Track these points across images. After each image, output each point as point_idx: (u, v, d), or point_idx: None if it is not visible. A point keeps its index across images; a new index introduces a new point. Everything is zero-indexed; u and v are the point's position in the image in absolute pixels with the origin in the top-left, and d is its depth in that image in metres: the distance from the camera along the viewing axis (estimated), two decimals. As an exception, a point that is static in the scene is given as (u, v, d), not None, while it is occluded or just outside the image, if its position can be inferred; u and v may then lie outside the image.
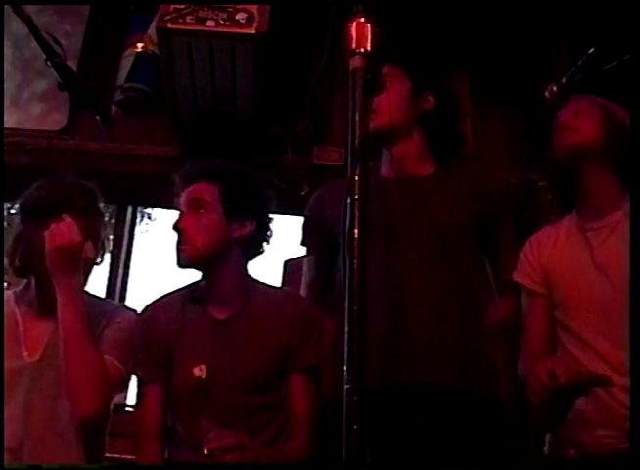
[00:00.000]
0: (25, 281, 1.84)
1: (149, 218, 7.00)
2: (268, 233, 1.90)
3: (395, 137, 1.85)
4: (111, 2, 3.17)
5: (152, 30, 2.84)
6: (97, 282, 2.88)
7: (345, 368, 1.13)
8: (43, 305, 1.79)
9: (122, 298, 3.03)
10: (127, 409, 2.73)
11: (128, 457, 2.14)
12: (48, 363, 1.74)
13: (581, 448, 1.61)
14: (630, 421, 1.47)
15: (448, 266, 1.73)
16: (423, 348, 1.62)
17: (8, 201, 1.95)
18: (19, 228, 1.81)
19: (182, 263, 1.82)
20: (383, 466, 1.43)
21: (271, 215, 1.91)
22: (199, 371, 1.76)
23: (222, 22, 2.54)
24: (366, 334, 1.16)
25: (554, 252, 1.79)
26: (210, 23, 2.54)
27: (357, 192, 1.23)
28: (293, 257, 2.98)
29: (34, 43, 1.56)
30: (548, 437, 1.73)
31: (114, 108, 1.72)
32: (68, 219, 1.70)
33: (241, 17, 2.54)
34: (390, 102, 1.71)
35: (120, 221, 3.15)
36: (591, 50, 1.64)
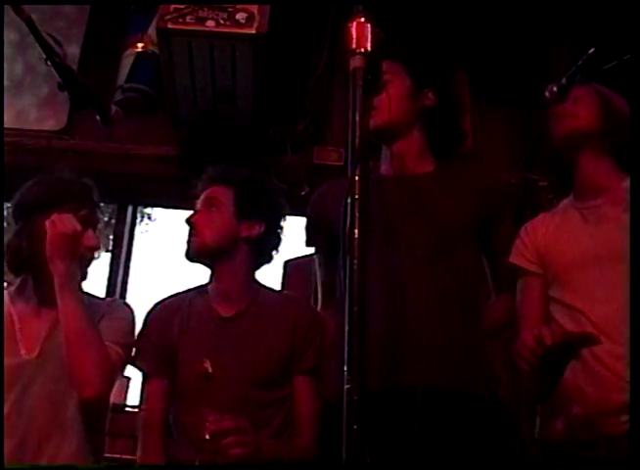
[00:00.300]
0: (20, 280, 1.85)
1: (149, 218, 7.01)
2: (277, 240, 1.99)
3: (395, 134, 1.84)
4: (111, 2, 3.17)
5: (152, 30, 2.84)
6: (97, 282, 2.89)
7: (345, 368, 1.13)
8: (42, 301, 1.81)
9: (122, 297, 3.03)
10: (127, 409, 2.74)
11: (128, 457, 2.15)
12: (46, 359, 1.75)
13: (570, 421, 1.61)
14: (630, 420, 1.47)
15: (448, 266, 1.73)
16: (423, 348, 1.62)
17: (8, 201, 1.96)
18: (15, 226, 1.82)
19: (190, 255, 1.92)
20: (383, 466, 1.43)
21: (282, 224, 2.00)
22: (204, 365, 1.81)
23: (222, 22, 2.54)
24: (366, 334, 1.16)
25: (549, 232, 1.81)
26: (210, 23, 2.54)
27: (357, 192, 1.23)
28: (293, 257, 2.99)
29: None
30: (539, 412, 1.73)
31: (114, 108, 1.73)
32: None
33: (241, 17, 2.54)
34: (390, 99, 1.71)
35: (120, 221, 3.15)
36: (591, 50, 1.64)
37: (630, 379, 1.47)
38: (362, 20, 1.34)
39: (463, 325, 1.70)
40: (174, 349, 1.87)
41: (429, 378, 1.59)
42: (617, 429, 1.52)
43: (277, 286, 2.98)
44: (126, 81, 2.91)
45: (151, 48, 2.91)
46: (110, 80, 2.93)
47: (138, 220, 3.53)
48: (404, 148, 1.85)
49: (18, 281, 1.86)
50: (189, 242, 1.91)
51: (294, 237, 2.22)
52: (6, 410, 1.67)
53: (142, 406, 1.88)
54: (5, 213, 2.36)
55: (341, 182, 1.72)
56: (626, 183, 1.74)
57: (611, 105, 1.80)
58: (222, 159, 2.84)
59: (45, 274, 1.76)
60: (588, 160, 1.79)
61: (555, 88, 1.73)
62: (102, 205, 1.97)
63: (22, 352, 1.75)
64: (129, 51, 2.96)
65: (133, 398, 2.86)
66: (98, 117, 1.70)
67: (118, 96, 2.88)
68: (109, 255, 3.12)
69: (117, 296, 3.01)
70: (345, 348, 1.14)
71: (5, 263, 1.81)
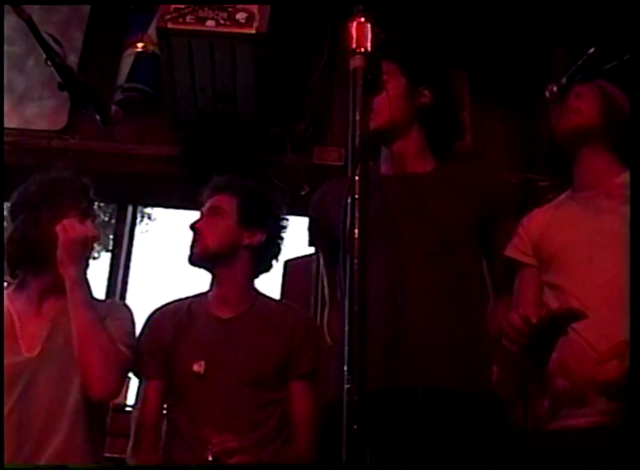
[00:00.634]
0: (18, 279, 1.86)
1: (149, 218, 7.02)
2: (278, 249, 2.06)
3: (394, 134, 1.84)
4: (111, 2, 3.17)
5: (152, 30, 2.84)
6: (97, 282, 2.89)
7: (346, 368, 1.13)
8: (42, 298, 1.82)
9: (122, 297, 3.03)
10: (127, 409, 2.74)
11: (128, 457, 2.15)
12: (48, 358, 1.75)
13: (556, 394, 1.62)
14: (630, 420, 1.47)
15: (448, 265, 1.73)
16: (423, 348, 1.62)
17: (8, 201, 1.97)
18: (17, 220, 1.83)
19: (193, 260, 1.98)
20: (383, 467, 1.43)
21: (283, 234, 2.07)
22: (198, 367, 1.85)
23: (222, 21, 2.54)
24: (366, 334, 1.16)
25: (544, 221, 1.83)
26: (210, 23, 2.54)
27: (357, 192, 1.23)
28: (293, 256, 2.99)
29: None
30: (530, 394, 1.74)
31: (114, 108, 1.73)
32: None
33: (241, 17, 2.54)
34: (387, 99, 1.71)
35: (120, 221, 3.16)
36: (591, 50, 1.64)
37: (630, 379, 1.47)
38: (362, 20, 1.34)
39: (463, 325, 1.70)
40: (170, 350, 1.92)
41: (429, 378, 1.59)
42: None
43: (277, 286, 2.99)
44: (126, 81, 2.91)
45: (151, 48, 2.91)
46: (110, 80, 2.94)
47: (138, 220, 3.53)
48: (403, 147, 1.85)
49: (16, 281, 1.87)
50: (192, 247, 1.97)
51: (294, 237, 2.25)
52: (7, 409, 1.68)
53: (137, 406, 1.92)
54: (5, 213, 2.37)
55: (341, 182, 1.71)
56: (622, 178, 1.75)
57: (613, 101, 1.81)
58: (222, 158, 2.85)
59: (46, 268, 1.79)
60: (590, 155, 1.80)
61: (555, 88, 1.74)
62: (102, 205, 1.99)
63: (23, 350, 1.75)
64: (129, 51, 2.96)
65: (133, 398, 2.87)
66: (98, 117, 1.70)
67: (118, 96, 2.88)
68: (109, 255, 3.12)
69: (117, 296, 3.01)
70: (345, 348, 1.14)
71: (7, 258, 1.83)
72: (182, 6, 2.55)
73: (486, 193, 1.83)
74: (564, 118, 1.82)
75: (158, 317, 2.01)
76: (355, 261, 1.19)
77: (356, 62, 1.31)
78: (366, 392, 1.12)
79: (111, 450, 1.96)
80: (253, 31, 2.53)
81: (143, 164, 2.95)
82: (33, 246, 1.79)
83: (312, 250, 2.06)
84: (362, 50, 1.31)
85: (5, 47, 2.95)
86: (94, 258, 1.92)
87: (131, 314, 1.93)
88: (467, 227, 1.78)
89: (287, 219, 2.09)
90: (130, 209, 3.20)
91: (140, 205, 3.52)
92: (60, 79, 1.62)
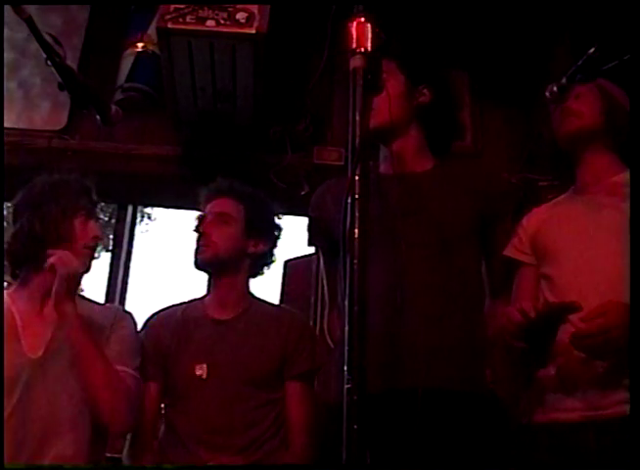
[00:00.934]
0: (20, 279, 1.86)
1: (149, 218, 7.02)
2: (272, 257, 2.13)
3: (394, 134, 1.84)
4: (111, 2, 3.17)
5: (152, 30, 2.84)
6: (97, 282, 2.89)
7: (346, 368, 1.13)
8: (45, 297, 1.81)
9: (122, 297, 3.03)
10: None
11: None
12: (51, 360, 1.75)
13: (539, 384, 1.64)
14: (630, 419, 1.46)
15: (448, 266, 1.72)
16: (423, 349, 1.61)
17: (8, 201, 1.97)
18: (20, 221, 1.83)
19: (200, 263, 2.02)
20: (383, 467, 1.43)
21: (278, 243, 2.14)
22: (199, 369, 1.90)
23: (222, 21, 2.53)
24: (366, 334, 1.15)
25: (543, 218, 1.84)
26: (211, 23, 2.54)
27: (357, 192, 1.23)
28: (293, 257, 2.99)
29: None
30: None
31: (114, 107, 1.73)
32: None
33: (241, 16, 2.54)
34: (387, 99, 1.70)
35: (120, 221, 3.15)
36: (591, 50, 1.64)
37: (630, 377, 1.47)
38: (362, 19, 1.34)
39: (463, 325, 1.70)
40: (167, 353, 1.96)
41: (428, 379, 1.59)
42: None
43: (277, 286, 2.99)
44: (126, 81, 2.90)
45: (151, 48, 2.91)
46: (110, 80, 2.93)
47: (138, 220, 3.53)
48: (402, 147, 1.85)
49: (18, 280, 1.87)
50: (200, 251, 2.00)
51: (294, 237, 2.28)
52: (8, 410, 1.67)
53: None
54: (5, 213, 2.37)
55: (340, 182, 1.71)
56: (622, 176, 1.75)
57: (613, 101, 1.81)
58: (222, 158, 2.84)
59: (45, 269, 1.77)
60: (592, 156, 1.80)
61: (555, 88, 1.73)
62: (102, 205, 1.99)
63: (26, 350, 1.75)
64: (129, 51, 2.96)
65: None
66: (98, 117, 1.70)
67: (119, 96, 2.88)
68: (109, 254, 3.12)
69: (117, 296, 3.01)
70: (345, 348, 1.14)
71: (10, 255, 1.83)
72: (182, 6, 2.55)
73: (486, 192, 1.83)
74: (566, 122, 1.81)
75: (155, 322, 2.04)
76: (355, 261, 1.19)
77: (356, 62, 1.31)
78: (367, 394, 1.12)
79: (111, 450, 1.97)
80: (253, 31, 2.53)
81: (143, 164, 2.95)
82: (39, 241, 1.79)
83: (312, 250, 2.07)
84: (362, 50, 1.31)
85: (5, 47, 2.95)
86: (94, 258, 1.92)
87: (135, 324, 1.94)
88: (467, 227, 1.77)
89: (282, 229, 2.16)
90: (130, 209, 3.20)
91: (140, 205, 3.51)
92: (60, 79, 1.62)
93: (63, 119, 2.96)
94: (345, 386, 1.12)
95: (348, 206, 1.23)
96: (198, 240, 2.02)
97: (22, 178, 1.96)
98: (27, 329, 1.78)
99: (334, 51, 1.68)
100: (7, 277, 1.91)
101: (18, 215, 1.85)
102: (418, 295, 1.66)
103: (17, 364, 1.72)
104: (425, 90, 1.86)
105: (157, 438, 1.93)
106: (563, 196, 1.89)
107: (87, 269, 1.87)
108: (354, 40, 1.32)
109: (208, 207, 2.09)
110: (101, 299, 2.85)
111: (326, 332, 1.98)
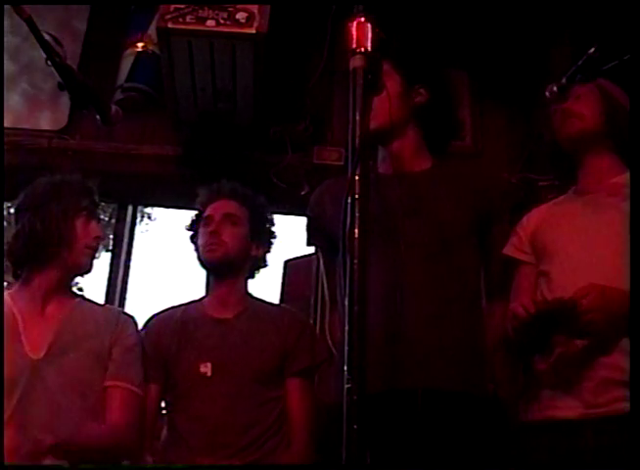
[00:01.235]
0: (21, 279, 1.86)
1: (149, 218, 7.02)
2: (266, 263, 2.19)
3: (392, 134, 1.83)
4: (111, 2, 3.17)
5: (152, 30, 2.84)
6: (97, 282, 2.89)
7: (346, 368, 1.13)
8: (46, 297, 1.82)
9: (122, 297, 3.03)
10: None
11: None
12: (53, 361, 1.75)
13: (536, 379, 1.66)
14: (630, 419, 1.46)
15: (448, 265, 1.72)
16: (422, 349, 1.61)
17: (8, 201, 1.97)
18: (22, 221, 1.84)
19: (210, 261, 2.06)
20: (383, 467, 1.43)
21: (272, 247, 2.19)
22: (204, 368, 1.92)
23: (222, 21, 2.53)
24: (366, 334, 1.15)
25: (542, 217, 1.84)
26: (211, 23, 2.54)
27: (357, 192, 1.23)
28: (293, 257, 2.99)
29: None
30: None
31: (114, 107, 1.73)
32: None
33: (241, 16, 2.54)
34: (386, 99, 1.70)
35: (120, 221, 3.15)
36: (591, 50, 1.64)
37: (631, 377, 1.47)
38: (362, 19, 1.34)
39: (463, 325, 1.69)
40: (168, 354, 1.97)
41: (429, 379, 1.59)
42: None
43: (277, 286, 2.99)
44: (126, 81, 2.90)
45: (151, 48, 2.91)
46: (110, 80, 2.93)
47: (138, 220, 3.52)
48: (400, 147, 1.84)
49: (19, 280, 1.87)
50: (210, 249, 2.03)
51: (294, 237, 2.30)
52: (9, 410, 1.67)
53: None
54: (5, 213, 2.37)
55: (339, 181, 1.72)
56: (623, 177, 1.75)
57: (614, 101, 1.81)
58: (222, 158, 2.84)
59: (52, 264, 1.81)
60: (593, 158, 1.81)
61: (555, 88, 1.73)
62: (102, 205, 2.00)
63: (27, 351, 1.75)
64: (129, 51, 2.95)
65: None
66: (98, 117, 1.70)
67: (119, 96, 2.88)
68: (109, 254, 3.12)
69: (117, 295, 3.01)
70: (345, 348, 1.14)
71: (12, 255, 1.83)
72: (182, 6, 2.55)
73: (484, 192, 1.83)
74: (567, 124, 1.82)
75: (154, 323, 2.06)
76: (355, 261, 1.19)
77: (356, 62, 1.31)
78: (366, 394, 1.12)
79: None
80: (253, 31, 2.53)
81: (143, 164, 2.95)
82: (41, 240, 1.80)
83: (312, 250, 2.08)
84: (362, 50, 1.31)
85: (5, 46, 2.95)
86: (95, 259, 1.92)
87: (137, 330, 1.94)
88: (466, 227, 1.77)
89: (277, 236, 2.22)
90: (130, 209, 3.20)
91: (140, 205, 3.51)
92: (60, 79, 1.62)
93: (63, 119, 2.96)
94: (345, 386, 1.12)
95: (348, 205, 1.23)
96: (208, 240, 2.04)
97: (23, 178, 1.97)
98: (29, 329, 1.78)
99: (334, 51, 1.68)
100: (8, 277, 1.91)
101: (19, 216, 1.86)
102: (417, 295, 1.66)
103: (18, 365, 1.71)
104: (421, 90, 1.86)
105: (157, 438, 1.93)
106: (563, 196, 1.90)
107: (89, 270, 1.88)
108: (354, 40, 1.32)
109: (212, 207, 2.11)
110: (101, 299, 2.85)
111: (326, 332, 1.97)
